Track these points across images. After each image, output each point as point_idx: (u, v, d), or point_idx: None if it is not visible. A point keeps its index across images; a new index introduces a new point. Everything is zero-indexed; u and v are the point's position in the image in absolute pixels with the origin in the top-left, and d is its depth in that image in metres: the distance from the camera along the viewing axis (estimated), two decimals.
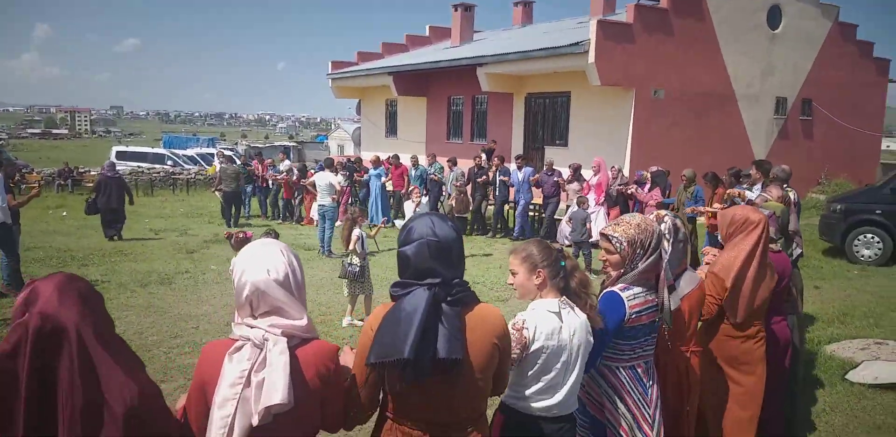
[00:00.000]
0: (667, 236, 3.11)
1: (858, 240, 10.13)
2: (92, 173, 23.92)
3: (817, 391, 5.02)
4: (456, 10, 22.00)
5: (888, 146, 36.12)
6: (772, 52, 16.28)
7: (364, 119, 25.78)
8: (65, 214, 16.32)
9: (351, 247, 6.97)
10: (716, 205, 8.67)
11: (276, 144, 46.35)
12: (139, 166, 26.30)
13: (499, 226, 13.09)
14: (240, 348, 1.74)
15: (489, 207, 13.42)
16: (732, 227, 3.44)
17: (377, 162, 14.79)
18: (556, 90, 16.23)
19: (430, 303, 1.89)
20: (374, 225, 10.41)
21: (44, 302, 1.60)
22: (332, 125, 69.92)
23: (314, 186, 11.16)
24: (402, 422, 1.99)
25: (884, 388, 4.99)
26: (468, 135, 19.62)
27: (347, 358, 2.13)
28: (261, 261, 1.81)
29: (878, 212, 9.94)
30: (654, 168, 11.60)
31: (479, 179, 13.22)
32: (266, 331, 1.75)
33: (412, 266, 1.98)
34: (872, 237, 10.00)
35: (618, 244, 2.74)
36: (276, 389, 1.66)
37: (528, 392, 2.37)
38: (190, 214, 16.86)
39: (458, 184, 12.62)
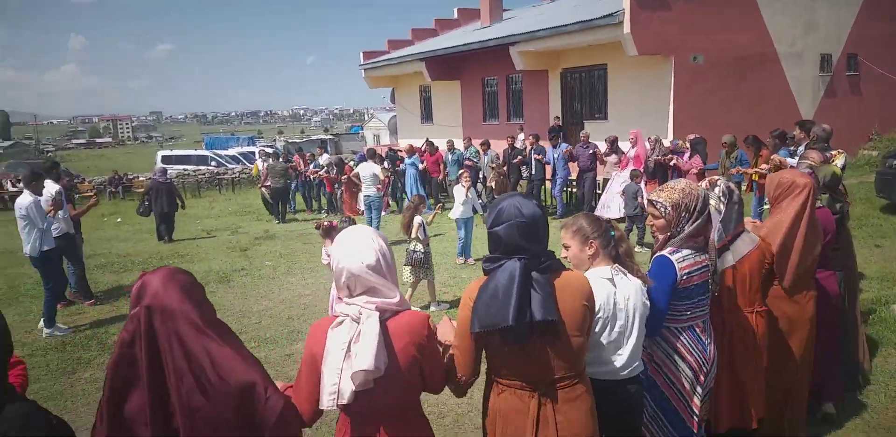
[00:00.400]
0: (721, 198, 3.16)
1: None
2: (141, 179, 24.69)
3: (889, 350, 4.91)
4: None
5: None
6: (813, 8, 15.65)
7: (399, 107, 25.84)
8: (119, 220, 16.92)
9: (413, 234, 7.06)
10: (763, 165, 8.56)
11: (314, 137, 46.94)
12: (185, 169, 27.00)
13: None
14: (340, 323, 1.98)
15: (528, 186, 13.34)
16: (779, 190, 3.42)
17: (411, 150, 14.79)
18: (592, 63, 15.98)
19: (523, 272, 2.08)
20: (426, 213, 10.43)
21: (151, 294, 1.79)
22: (367, 115, 70.30)
23: (358, 177, 11.29)
24: (510, 383, 2.18)
25: None
26: (504, 116, 19.51)
27: (446, 328, 2.32)
28: (354, 249, 2.03)
29: None
30: (692, 136, 11.36)
31: (514, 160, 13.17)
32: (362, 307, 1.98)
33: (503, 244, 2.17)
34: None
35: (662, 209, 2.82)
36: (365, 357, 1.88)
37: (592, 357, 2.46)
38: (238, 212, 17.28)
39: (494, 166, 12.56)
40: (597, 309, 2.40)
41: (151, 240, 12.82)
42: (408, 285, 7.03)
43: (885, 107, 16.82)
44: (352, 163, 14.82)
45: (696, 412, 2.84)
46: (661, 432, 2.88)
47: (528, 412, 2.15)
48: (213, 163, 28.88)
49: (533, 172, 12.87)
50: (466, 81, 20.86)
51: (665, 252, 2.81)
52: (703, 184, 3.19)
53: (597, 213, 11.30)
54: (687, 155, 10.92)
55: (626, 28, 13.21)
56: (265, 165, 15.30)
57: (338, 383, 1.92)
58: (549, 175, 12.86)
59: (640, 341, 2.57)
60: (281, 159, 16.45)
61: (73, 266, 7.95)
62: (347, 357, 1.92)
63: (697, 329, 2.83)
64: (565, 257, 2.61)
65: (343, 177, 13.65)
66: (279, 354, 5.92)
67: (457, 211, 9.09)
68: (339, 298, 2.09)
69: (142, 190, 16.92)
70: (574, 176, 12.81)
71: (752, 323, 3.14)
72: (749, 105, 14.50)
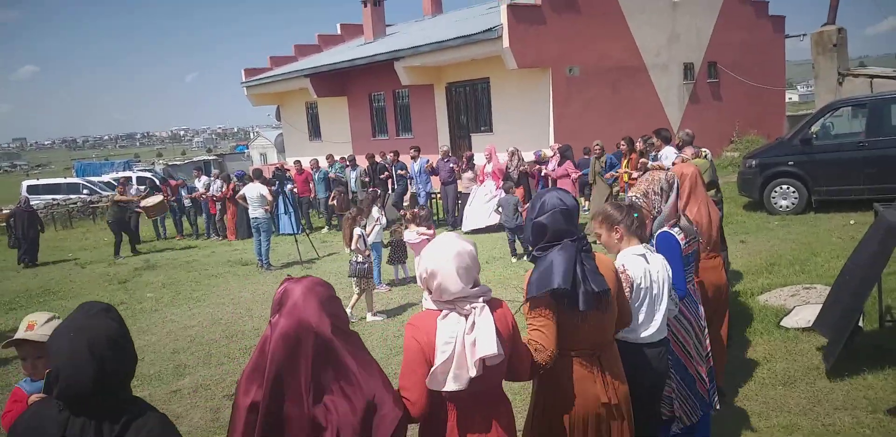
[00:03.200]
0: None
1: (775, 192, 10.63)
2: (5, 212, 22.67)
3: (756, 339, 5.28)
4: (366, 5, 21.79)
5: (790, 98, 37.90)
6: (675, 20, 16.84)
7: (285, 125, 25.33)
8: None
9: (353, 246, 7.15)
10: (635, 173, 9.21)
11: (196, 159, 44.97)
12: (54, 199, 25.07)
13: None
14: (446, 316, 2.15)
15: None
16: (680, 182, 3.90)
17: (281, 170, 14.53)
18: (475, 77, 16.35)
19: (578, 251, 2.46)
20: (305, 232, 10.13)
21: (291, 304, 1.94)
22: (252, 134, 68.38)
23: (244, 199, 10.90)
24: (577, 353, 2.48)
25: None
26: (393, 130, 19.55)
27: None
28: (450, 250, 2.19)
29: (790, 163, 10.46)
30: (557, 144, 11.90)
31: (381, 176, 13.67)
32: (471, 300, 2.17)
33: (551, 231, 2.52)
34: (788, 188, 10.52)
35: (638, 200, 3.32)
36: (489, 343, 2.08)
37: (634, 324, 2.80)
38: (115, 242, 16.21)
39: (339, 186, 13.27)
40: (638, 281, 2.79)
41: (17, 277, 11.80)
42: (354, 294, 7.21)
43: (744, 111, 18.31)
44: (234, 181, 14.43)
45: (704, 376, 3.30)
46: (680, 395, 3.23)
47: (595, 374, 2.48)
48: (85, 191, 26.99)
49: (396, 185, 13.49)
50: (353, 97, 20.76)
51: (666, 229, 3.28)
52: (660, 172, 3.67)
53: (463, 225, 11.76)
54: (553, 163, 11.38)
55: (506, 42, 13.64)
56: (111, 194, 14.62)
57: (448, 371, 2.08)
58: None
59: (667, 307, 2.92)
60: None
61: None
62: (459, 347, 2.09)
63: (690, 291, 3.33)
64: (597, 243, 3.01)
65: (228, 192, 13.43)
66: (164, 391, 5.57)
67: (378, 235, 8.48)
68: (431, 297, 2.23)
69: (2, 223, 15.72)
70: (438, 189, 13.23)
71: (696, 293, 3.61)
72: (622, 113, 15.35)
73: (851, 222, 9.30)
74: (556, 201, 2.53)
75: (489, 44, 14.08)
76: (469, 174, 12.17)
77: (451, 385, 2.09)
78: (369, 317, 7.21)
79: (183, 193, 15.51)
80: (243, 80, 23.99)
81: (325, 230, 13.93)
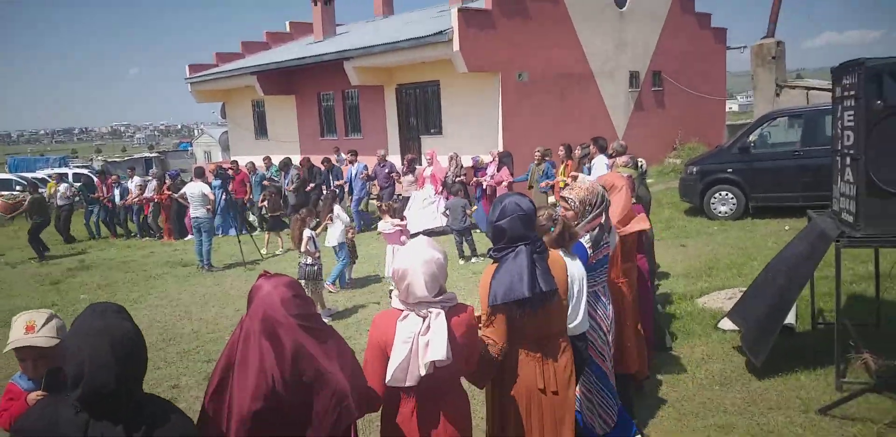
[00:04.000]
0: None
1: (715, 198, 10.98)
2: None
3: (695, 341, 5.41)
4: (316, 4, 21.52)
5: (730, 108, 39.26)
6: (622, 29, 17.21)
7: (230, 122, 24.79)
8: None
9: (303, 248, 7.09)
10: (568, 177, 9.56)
11: (136, 156, 43.51)
12: None
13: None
14: (405, 317, 2.36)
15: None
16: (609, 190, 4.07)
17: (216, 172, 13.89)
18: (426, 79, 16.32)
19: (530, 255, 2.67)
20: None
21: (259, 299, 2.08)
22: (196, 131, 66.71)
23: (185, 198, 10.58)
24: (523, 345, 2.76)
25: None
26: (342, 131, 19.35)
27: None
28: (418, 255, 2.36)
29: (729, 170, 10.81)
30: (495, 151, 12.04)
31: (311, 184, 13.56)
32: (429, 305, 2.35)
33: (508, 235, 2.71)
34: (727, 194, 10.87)
35: (572, 203, 3.52)
36: (439, 349, 2.26)
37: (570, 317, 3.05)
38: (49, 240, 15.54)
39: (292, 187, 13.26)
40: (572, 280, 3.01)
41: None
42: None
43: (686, 119, 18.85)
44: (168, 181, 14.10)
45: (609, 362, 3.57)
46: (596, 392, 3.52)
47: (537, 362, 2.76)
48: (18, 187, 25.79)
49: (330, 188, 13.34)
50: (302, 96, 20.46)
51: (580, 239, 3.48)
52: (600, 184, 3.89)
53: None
54: (491, 169, 11.48)
55: (456, 46, 13.66)
56: (29, 197, 13.81)
57: (407, 368, 2.28)
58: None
59: (585, 302, 3.16)
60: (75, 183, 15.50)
61: None
62: (415, 346, 2.29)
63: (599, 293, 3.57)
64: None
65: (163, 195, 13.06)
66: None
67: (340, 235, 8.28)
68: (398, 297, 2.41)
69: None
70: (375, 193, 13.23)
71: (622, 291, 3.99)
72: (570, 119, 15.58)
73: (786, 227, 9.66)
74: (515, 207, 2.72)
75: (440, 47, 14.08)
76: (409, 178, 12.16)
77: (394, 383, 2.30)
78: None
79: (116, 192, 15.03)
80: (188, 75, 23.37)
81: (256, 233, 13.45)
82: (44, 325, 2.46)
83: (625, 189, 4.19)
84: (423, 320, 2.31)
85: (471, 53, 13.83)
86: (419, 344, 2.28)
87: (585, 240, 3.47)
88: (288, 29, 25.34)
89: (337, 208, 8.02)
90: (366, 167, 13.09)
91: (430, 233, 11.76)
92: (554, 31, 15.45)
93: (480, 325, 2.71)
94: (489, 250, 2.83)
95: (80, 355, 1.70)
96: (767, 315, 4.73)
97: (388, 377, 2.29)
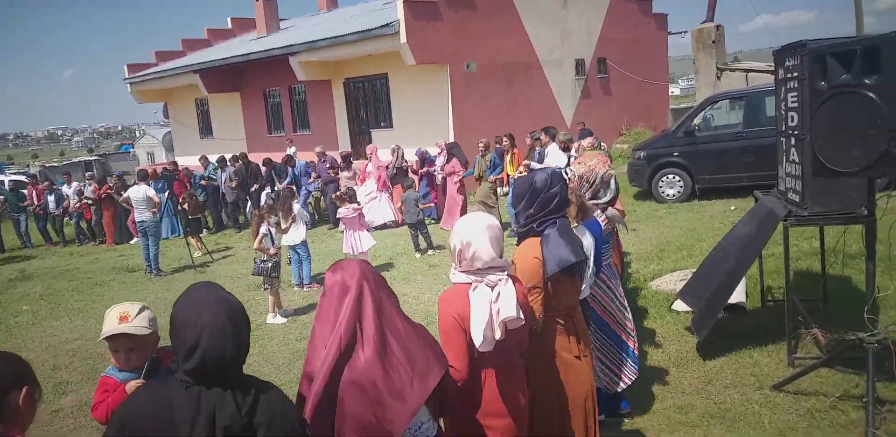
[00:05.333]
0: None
1: (662, 181, 11.18)
2: None
3: (650, 324, 5.49)
4: None
5: (673, 92, 40.11)
6: (566, 17, 17.31)
7: (174, 122, 24.13)
8: None
9: (255, 245, 7.05)
10: (516, 174, 9.58)
11: (76, 160, 41.98)
12: None
13: None
14: (476, 288, 2.43)
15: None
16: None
17: (154, 175, 13.34)
18: (374, 73, 16.14)
19: (568, 226, 2.90)
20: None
21: (342, 271, 2.17)
22: (138, 132, 64.81)
23: (128, 202, 10.22)
24: (557, 314, 2.90)
25: None
26: (290, 127, 19.03)
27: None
28: (479, 230, 2.45)
29: (675, 154, 11.02)
30: (444, 142, 12.00)
31: (255, 185, 13.43)
32: (499, 273, 2.45)
33: (557, 200, 2.87)
34: (674, 177, 11.08)
35: (572, 175, 3.67)
36: (509, 307, 2.38)
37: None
38: None
39: (232, 184, 13.22)
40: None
41: None
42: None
43: (632, 104, 19.14)
44: (110, 184, 13.70)
45: (631, 332, 3.83)
46: (610, 353, 3.74)
47: (570, 330, 2.92)
48: None
49: (278, 186, 13.26)
50: (247, 93, 20.02)
51: (594, 215, 3.64)
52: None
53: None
54: (440, 160, 11.46)
55: (403, 38, 13.52)
56: None
57: (484, 334, 2.35)
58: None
59: (591, 274, 3.34)
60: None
61: None
62: (491, 312, 2.37)
63: (610, 265, 3.82)
64: None
65: (102, 191, 12.74)
66: (43, 411, 5.10)
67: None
68: (458, 269, 2.50)
69: None
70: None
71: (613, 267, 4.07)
72: (519, 109, 15.65)
73: (732, 208, 9.90)
74: (558, 175, 2.95)
75: (387, 39, 13.93)
76: (347, 173, 12.07)
77: (483, 347, 2.39)
78: (269, 318, 6.94)
79: (50, 199, 14.45)
80: (126, 76, 22.63)
81: (203, 233, 13.08)
82: (137, 315, 2.47)
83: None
84: (493, 289, 2.40)
85: (418, 45, 13.72)
86: (493, 310, 2.38)
87: (598, 214, 3.65)
88: (230, 25, 24.77)
89: (296, 206, 7.89)
90: (307, 164, 13.08)
91: (382, 227, 11.70)
92: (500, 21, 15.45)
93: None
94: (525, 225, 2.91)
95: (197, 324, 1.71)
96: (714, 293, 4.81)
97: (477, 342, 2.36)
